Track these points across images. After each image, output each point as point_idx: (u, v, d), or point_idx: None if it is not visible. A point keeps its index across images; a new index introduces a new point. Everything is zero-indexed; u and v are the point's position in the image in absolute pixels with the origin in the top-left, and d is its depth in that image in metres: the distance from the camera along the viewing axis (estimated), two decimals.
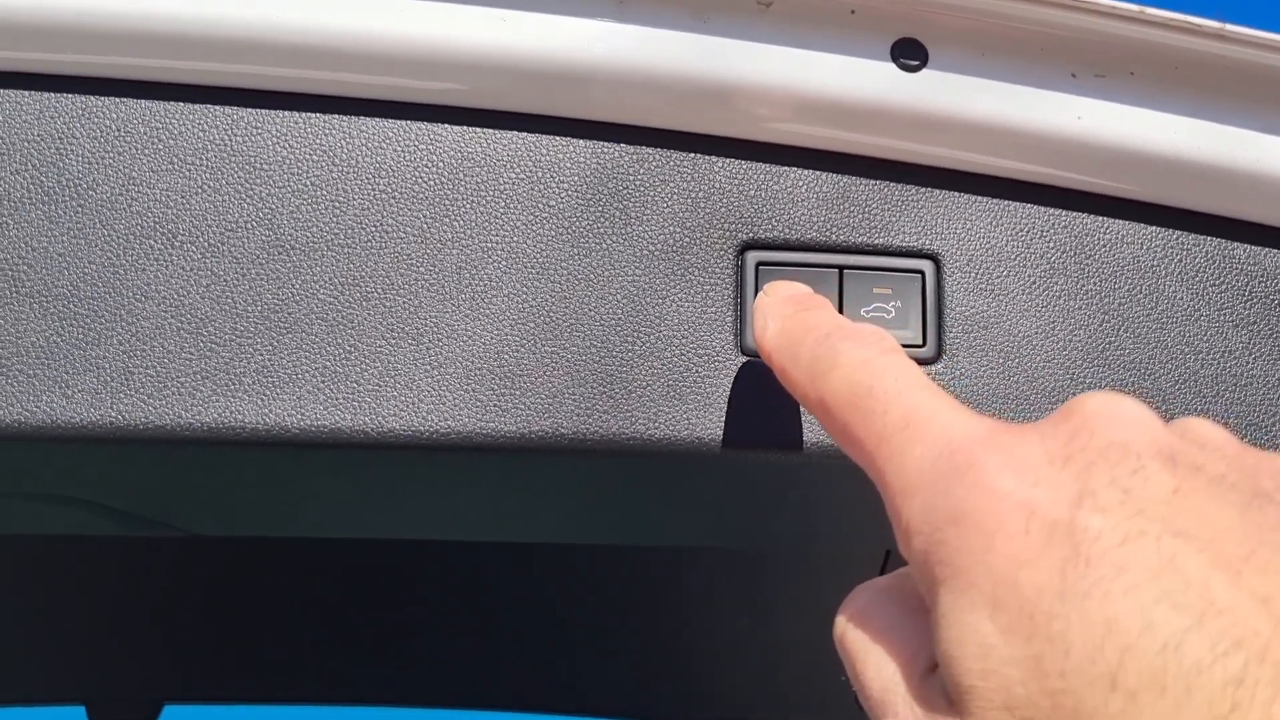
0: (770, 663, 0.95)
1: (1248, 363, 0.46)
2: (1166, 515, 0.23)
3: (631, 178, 0.45)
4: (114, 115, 0.44)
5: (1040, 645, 0.23)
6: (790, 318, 0.37)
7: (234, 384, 0.43)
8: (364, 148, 0.44)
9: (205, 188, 0.44)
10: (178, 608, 0.94)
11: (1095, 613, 0.22)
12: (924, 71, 0.45)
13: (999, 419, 0.29)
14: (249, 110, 0.44)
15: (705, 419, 0.44)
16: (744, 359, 0.44)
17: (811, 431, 0.44)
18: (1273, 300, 0.47)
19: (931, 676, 0.26)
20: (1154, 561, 0.23)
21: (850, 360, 0.32)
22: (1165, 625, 0.22)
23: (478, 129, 0.45)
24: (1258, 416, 0.46)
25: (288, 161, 0.44)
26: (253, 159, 0.44)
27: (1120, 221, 0.47)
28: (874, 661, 0.28)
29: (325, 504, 0.55)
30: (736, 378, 0.44)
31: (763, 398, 0.44)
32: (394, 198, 0.44)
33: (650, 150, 0.45)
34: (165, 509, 0.55)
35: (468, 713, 1.02)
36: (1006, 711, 0.23)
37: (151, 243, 0.43)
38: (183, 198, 0.43)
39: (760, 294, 0.39)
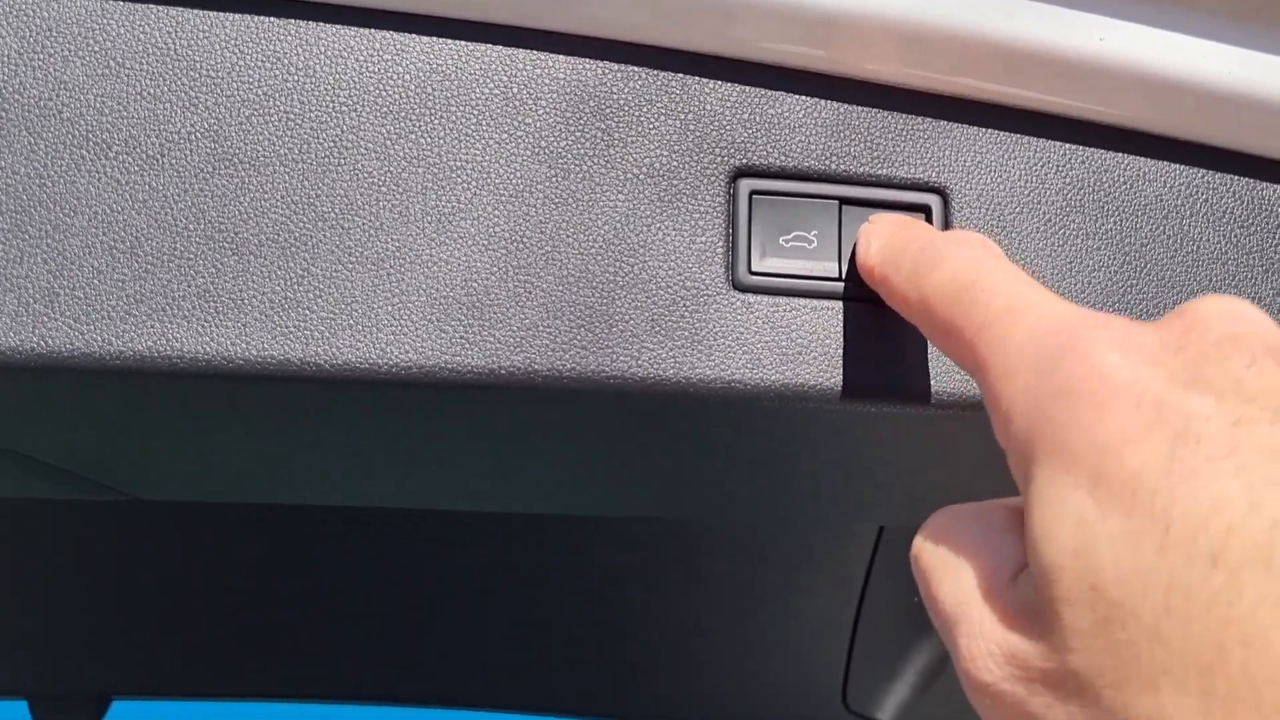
0: (761, 652, 0.91)
1: (1277, 310, 0.43)
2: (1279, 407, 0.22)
3: (616, 97, 0.41)
4: (44, 12, 0.40)
5: (1140, 522, 0.22)
6: (894, 234, 0.38)
7: (171, 309, 0.38)
8: (323, 56, 0.40)
9: (144, 94, 0.39)
10: (124, 590, 0.89)
11: (1202, 491, 0.21)
12: None
13: None
14: (194, 11, 0.40)
15: (693, 357, 0.40)
16: (736, 294, 0.41)
17: (808, 374, 0.40)
18: None
19: (1011, 588, 0.25)
20: (1267, 444, 0.21)
21: (955, 258, 0.33)
22: (1275, 505, 0.20)
23: (448, 40, 0.41)
24: None
25: (237, 68, 0.40)
26: (198, 64, 0.40)
27: (1142, 158, 0.44)
28: (950, 575, 0.27)
29: (280, 463, 0.51)
30: (728, 313, 0.40)
31: (756, 335, 0.40)
32: (354, 111, 0.40)
33: (636, 68, 0.42)
34: (103, 465, 0.51)
35: (440, 712, 0.97)
36: (1093, 591, 0.22)
37: (83, 153, 0.39)
38: (119, 104, 0.39)
39: (864, 224, 0.41)
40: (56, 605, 0.89)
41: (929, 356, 0.41)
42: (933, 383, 0.41)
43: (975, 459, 0.48)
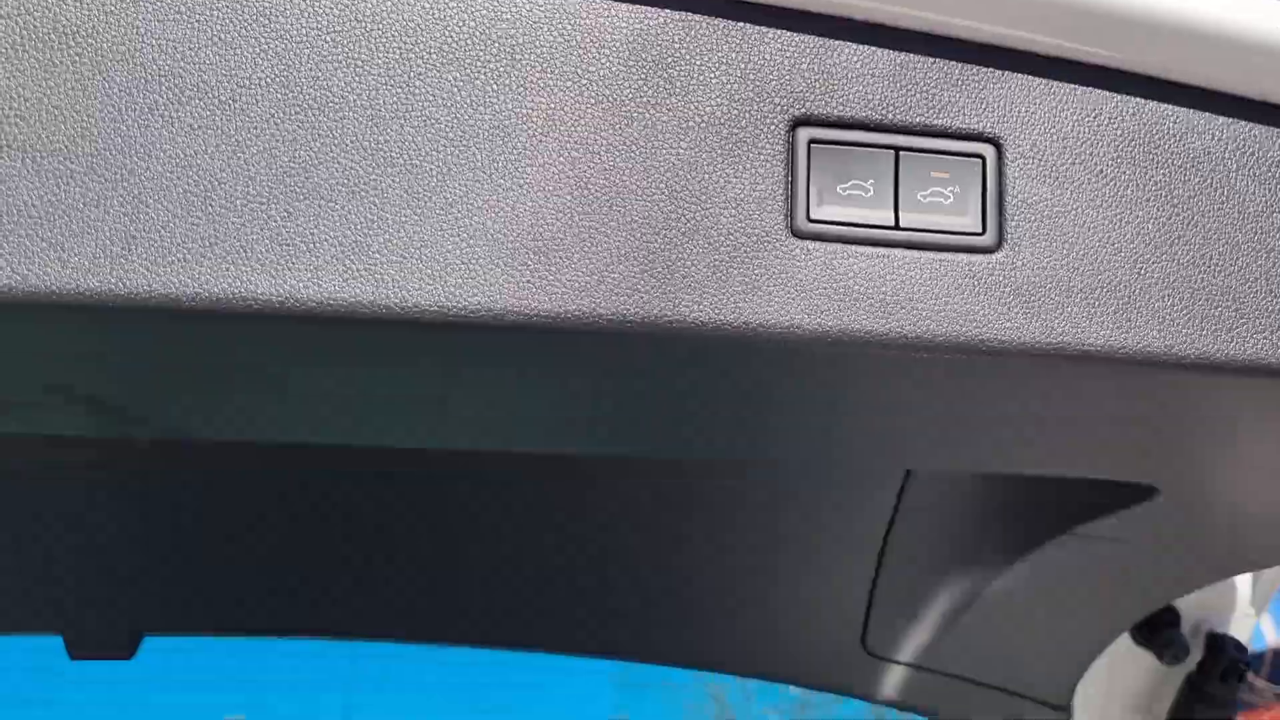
0: (779, 594, 0.92)
1: None
2: None
3: (678, 46, 0.42)
4: None
5: None
6: None
7: (245, 252, 0.39)
8: (391, 2, 0.41)
9: (216, 40, 0.40)
10: (154, 530, 0.90)
11: None
12: None
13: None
14: None
15: (753, 303, 0.41)
16: (794, 241, 0.42)
17: (864, 320, 0.41)
18: None
19: None
20: None
21: None
22: None
23: None
24: None
25: (307, 15, 0.40)
26: (269, 10, 0.40)
27: (1191, 111, 0.44)
28: None
29: (336, 405, 0.52)
30: (786, 260, 0.41)
31: (814, 282, 0.41)
32: (422, 57, 0.41)
33: (698, 17, 0.42)
34: (160, 404, 0.52)
35: (464, 649, 0.99)
36: None
37: (157, 97, 0.39)
38: (192, 50, 0.40)
39: None
40: (89, 545, 0.90)
41: (982, 304, 0.42)
42: (986, 329, 0.42)
43: (1013, 403, 0.49)
